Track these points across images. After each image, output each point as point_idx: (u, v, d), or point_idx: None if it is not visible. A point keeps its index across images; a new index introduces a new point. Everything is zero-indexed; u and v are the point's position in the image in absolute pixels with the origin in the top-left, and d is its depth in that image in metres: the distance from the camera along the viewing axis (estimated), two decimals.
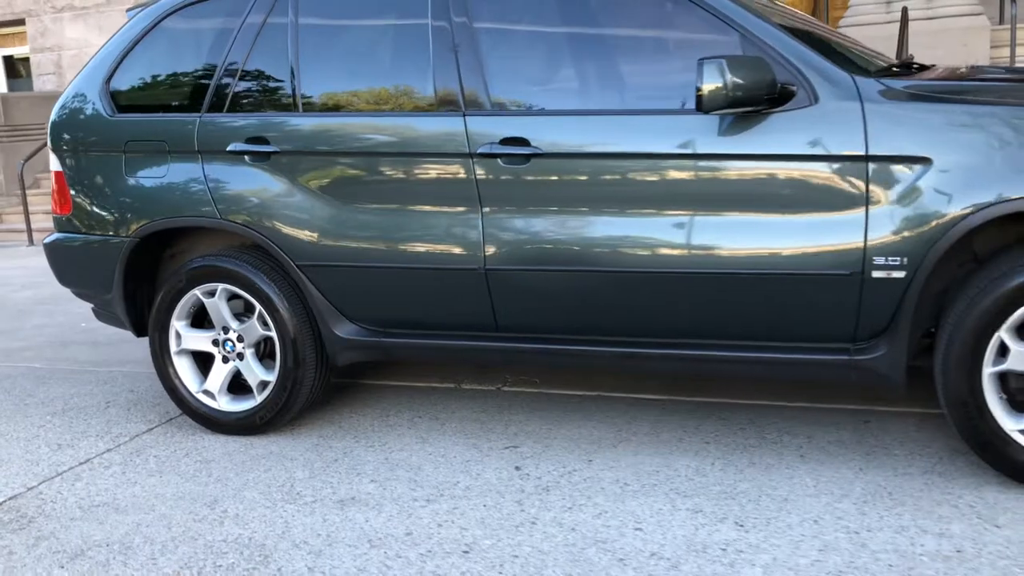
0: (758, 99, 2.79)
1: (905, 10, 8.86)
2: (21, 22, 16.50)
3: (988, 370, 2.79)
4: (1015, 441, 2.81)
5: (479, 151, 3.22)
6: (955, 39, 9.88)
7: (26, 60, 16.92)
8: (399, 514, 3.01)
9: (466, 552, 2.74)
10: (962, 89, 2.86)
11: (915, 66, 3.66)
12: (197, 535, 2.96)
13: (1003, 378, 2.85)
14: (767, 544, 2.65)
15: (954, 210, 2.73)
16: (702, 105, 2.76)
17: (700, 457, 3.30)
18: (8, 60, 17.40)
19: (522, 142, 3.17)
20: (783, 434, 3.46)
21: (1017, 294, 2.71)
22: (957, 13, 9.89)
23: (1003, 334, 2.76)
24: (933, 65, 3.82)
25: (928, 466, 3.09)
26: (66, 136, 3.95)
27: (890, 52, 8.99)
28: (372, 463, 3.45)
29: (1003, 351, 2.79)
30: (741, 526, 2.77)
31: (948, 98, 2.79)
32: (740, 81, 2.74)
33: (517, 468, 3.32)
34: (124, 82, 3.90)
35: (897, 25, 10.04)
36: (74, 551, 2.90)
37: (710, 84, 2.73)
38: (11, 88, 17.29)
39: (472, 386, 4.30)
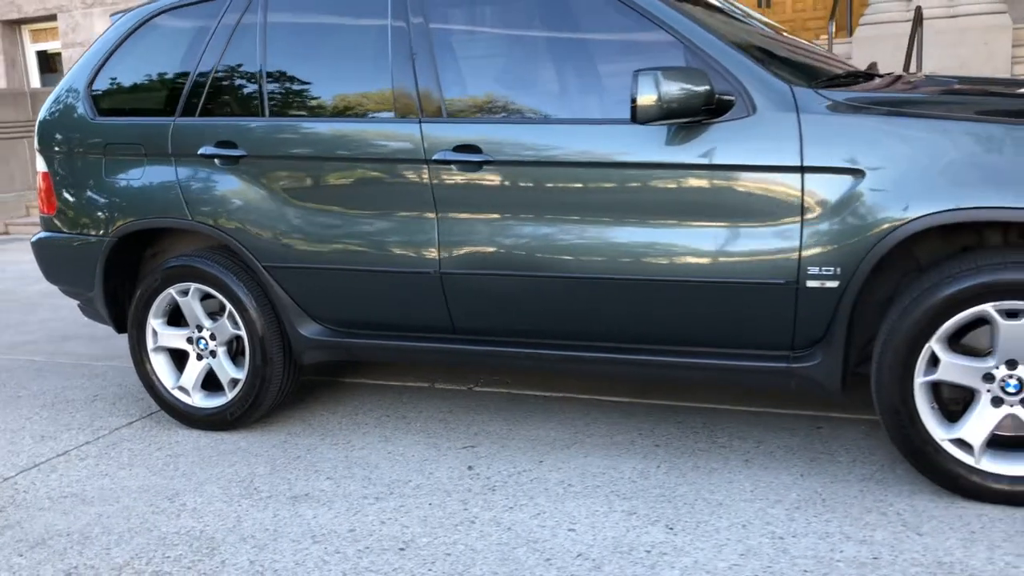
0: (694, 111, 2.84)
1: (919, 9, 8.81)
2: (53, 17, 16.84)
3: (920, 380, 2.83)
4: (945, 450, 2.84)
5: (434, 157, 3.30)
6: (976, 38, 9.79)
7: (59, 55, 17.28)
8: (347, 511, 3.11)
9: (402, 549, 2.83)
10: (901, 101, 2.88)
11: (877, 74, 3.68)
12: (153, 527, 3.08)
13: (936, 388, 2.89)
14: (691, 547, 2.71)
15: (885, 222, 2.77)
16: (636, 117, 2.82)
17: (647, 460, 3.36)
18: (42, 55, 17.76)
19: (475, 149, 3.24)
20: (734, 439, 3.51)
21: (946, 305, 2.74)
22: (979, 11, 9.79)
23: (934, 345, 2.79)
24: (891, 73, 3.84)
25: (868, 473, 3.13)
26: (51, 137, 4.09)
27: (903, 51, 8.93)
28: (332, 461, 3.55)
29: (935, 361, 2.82)
30: (671, 529, 2.84)
31: (884, 110, 2.82)
32: (674, 93, 2.79)
33: (470, 468, 3.40)
34: (105, 86, 4.03)
35: (929, 22, 9.96)
36: (35, 540, 3.03)
37: (644, 96, 2.79)
38: (44, 83, 17.66)
39: (444, 386, 4.39)
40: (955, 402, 2.91)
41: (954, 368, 2.80)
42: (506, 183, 3.22)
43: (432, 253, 3.37)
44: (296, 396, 4.35)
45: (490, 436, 3.69)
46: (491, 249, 3.27)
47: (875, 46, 10.19)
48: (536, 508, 3.03)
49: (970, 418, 2.82)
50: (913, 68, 9.47)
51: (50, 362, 5.32)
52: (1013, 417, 2.79)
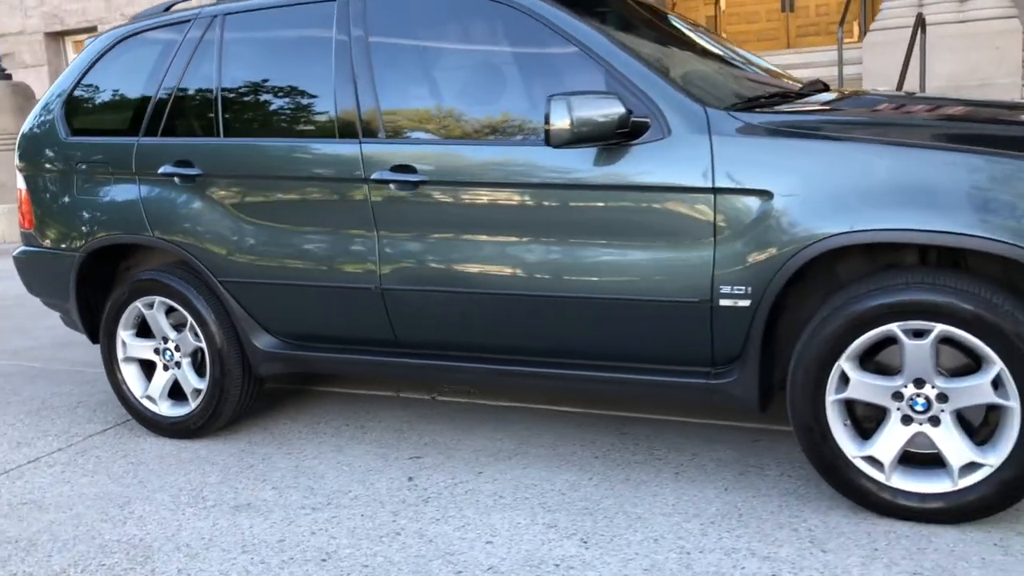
0: (607, 135, 2.89)
1: (920, 16, 8.71)
2: (93, 29, 17.27)
3: (831, 398, 2.86)
4: (857, 467, 2.87)
5: (372, 177, 3.39)
6: (987, 43, 9.65)
7: None
8: (282, 521, 3.22)
9: (323, 560, 2.93)
10: (814, 123, 2.91)
11: (817, 91, 3.70)
12: (97, 534, 3.22)
13: (850, 405, 2.91)
14: (599, 561, 2.78)
15: (791, 243, 2.80)
16: (550, 141, 2.88)
17: (582, 472, 3.42)
18: None
19: (410, 169, 3.33)
20: (672, 451, 3.56)
21: (853, 325, 2.76)
22: (989, 16, 9.65)
23: (843, 363, 2.82)
24: (829, 89, 3.85)
25: (791, 488, 3.16)
26: (29, 154, 4.27)
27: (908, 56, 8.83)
28: (282, 470, 3.67)
29: (845, 380, 2.85)
30: (585, 543, 2.90)
31: (795, 132, 2.85)
32: (586, 118, 2.85)
33: (410, 479, 3.49)
34: (77, 106, 4.19)
35: (939, 27, 9.85)
36: None
37: (557, 121, 2.85)
38: None
39: (409, 395, 4.49)
40: (869, 420, 2.93)
41: (864, 387, 2.83)
42: (440, 202, 3.31)
43: (373, 269, 3.47)
44: (266, 404, 4.48)
45: (439, 447, 3.78)
46: (427, 266, 3.36)
47: (885, 51, 10.09)
48: (463, 520, 3.12)
49: (880, 436, 2.85)
50: (916, 74, 9.37)
51: (46, 368, 5.52)
52: (924, 435, 2.81)
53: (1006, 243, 2.55)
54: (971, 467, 2.75)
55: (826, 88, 3.86)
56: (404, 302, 3.44)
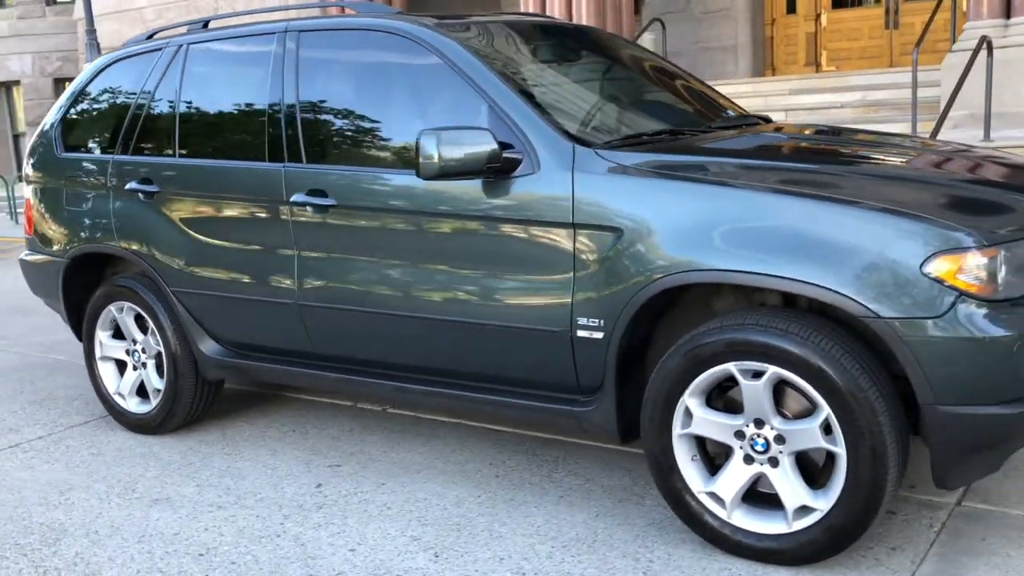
0: (476, 169, 3.03)
1: (984, 39, 8.45)
2: None
3: (677, 432, 2.92)
4: (702, 503, 2.92)
5: (292, 199, 3.62)
6: None
7: None
8: (187, 516, 3.47)
9: (200, 555, 3.16)
10: (678, 164, 2.98)
11: (744, 124, 3.74)
12: (27, 517, 3.54)
13: (703, 441, 2.96)
14: (436, 573, 2.91)
15: (635, 279, 2.88)
16: (419, 173, 3.04)
17: (476, 489, 3.55)
18: None
19: (323, 193, 3.55)
20: (569, 475, 3.65)
21: (692, 363, 2.82)
22: None
23: (687, 399, 2.87)
24: (759, 124, 3.86)
25: (657, 519, 3.22)
26: (32, 167, 4.69)
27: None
28: (214, 469, 3.93)
29: (691, 415, 2.90)
30: (436, 557, 3.04)
31: (651, 172, 2.93)
32: (454, 154, 2.99)
33: (319, 486, 3.70)
34: (71, 123, 4.58)
35: (1012, 50, 9.50)
36: None
37: (425, 155, 3.00)
38: None
39: (365, 405, 4.69)
40: (720, 456, 2.97)
41: (707, 423, 2.87)
42: (344, 226, 3.51)
43: (292, 286, 3.69)
44: (233, 406, 4.75)
45: (362, 457, 3.97)
46: (334, 285, 3.57)
47: (960, 74, 9.74)
48: (340, 528, 3.30)
49: (724, 473, 2.89)
50: (980, 98, 9.03)
51: (69, 362, 5.97)
52: (764, 476, 2.83)
53: (811, 284, 2.58)
54: (805, 510, 2.77)
55: (759, 123, 3.88)
56: (318, 318, 3.66)
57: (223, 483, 3.77)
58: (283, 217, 3.68)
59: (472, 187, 3.19)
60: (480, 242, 3.20)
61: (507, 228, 3.14)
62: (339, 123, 3.59)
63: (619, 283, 2.92)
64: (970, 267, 2.50)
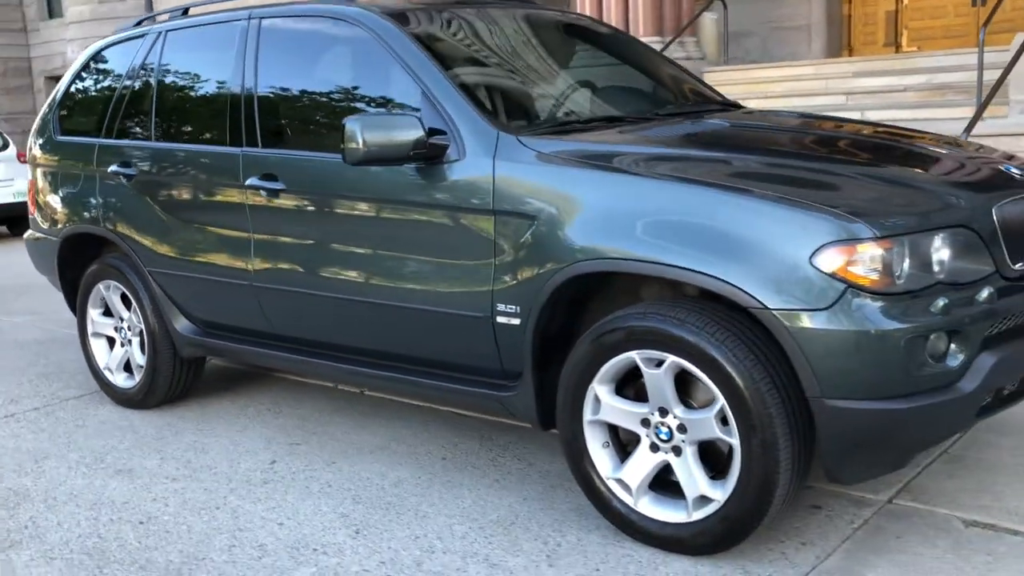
0: (402, 156, 3.08)
1: None
2: None
3: (587, 418, 2.93)
4: (611, 489, 2.93)
5: (247, 183, 3.73)
6: None
7: None
8: (141, 487, 3.62)
9: (141, 523, 3.30)
10: (597, 153, 2.98)
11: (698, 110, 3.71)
12: None
13: (615, 428, 2.96)
14: (348, 550, 2.99)
15: (548, 267, 2.90)
16: (345, 159, 3.11)
17: (418, 470, 3.62)
18: None
19: (273, 177, 3.65)
20: (514, 459, 3.69)
21: (597, 350, 2.83)
22: None
23: (596, 386, 2.88)
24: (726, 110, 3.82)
25: (583, 504, 3.20)
26: (33, 151, 4.90)
27: None
28: (182, 444, 4.08)
29: (600, 402, 2.91)
30: (357, 534, 3.12)
31: (567, 160, 2.94)
32: (378, 140, 3.05)
33: (273, 462, 3.81)
34: (66, 108, 4.78)
35: None
36: None
37: (349, 141, 3.06)
38: None
39: (344, 387, 4.79)
40: (632, 444, 2.97)
41: (614, 411, 2.89)
42: (293, 209, 3.60)
43: (248, 267, 3.81)
44: (222, 384, 4.90)
45: (324, 436, 4.07)
46: (282, 266, 3.67)
47: None
48: (278, 503, 3.40)
49: (631, 461, 2.90)
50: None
51: None
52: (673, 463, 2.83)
53: (701, 273, 2.57)
54: (705, 500, 2.76)
55: (726, 109, 3.84)
56: (271, 299, 3.77)
57: (185, 457, 3.91)
58: (240, 200, 3.79)
59: (403, 172, 3.24)
60: (409, 227, 3.25)
61: (434, 214, 3.18)
62: (290, 108, 3.68)
63: (533, 270, 2.94)
64: (863, 259, 2.46)
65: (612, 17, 12.00)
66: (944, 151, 3.16)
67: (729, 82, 11.78)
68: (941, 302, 2.48)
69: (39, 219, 4.91)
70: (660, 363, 2.75)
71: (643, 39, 11.78)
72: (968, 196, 2.70)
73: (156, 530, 3.23)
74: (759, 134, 3.38)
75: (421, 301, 3.26)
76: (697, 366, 2.65)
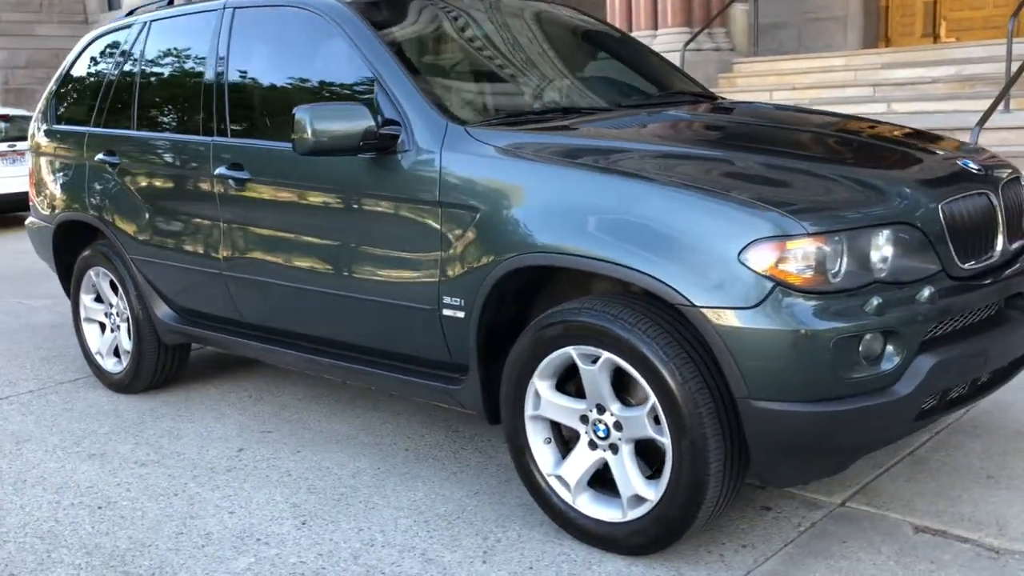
0: (351, 146, 3.07)
1: None
2: None
3: (528, 413, 2.90)
4: (551, 485, 2.90)
5: (215, 172, 3.75)
6: None
7: None
8: (108, 472, 3.67)
9: (99, 508, 3.35)
10: (544, 145, 2.93)
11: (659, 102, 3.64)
12: None
13: (558, 423, 2.93)
14: (291, 540, 3.00)
15: (487, 260, 2.87)
16: (295, 149, 3.10)
17: (381, 461, 3.62)
18: None
19: (239, 167, 3.66)
20: (478, 452, 3.66)
21: (535, 345, 2.80)
22: None
23: (536, 381, 2.85)
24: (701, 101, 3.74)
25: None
26: (34, 137, 5.00)
27: None
28: (158, 429, 4.13)
29: (540, 396, 2.88)
30: (302, 524, 3.13)
31: (512, 153, 2.90)
32: (325, 130, 3.03)
33: (240, 450, 3.84)
34: (61, 97, 4.85)
35: None
36: None
37: (299, 132, 3.05)
38: None
39: (331, 376, 4.80)
40: (574, 440, 2.93)
41: (553, 407, 2.85)
42: (256, 198, 3.61)
43: (218, 256, 3.83)
44: (214, 370, 4.95)
45: (296, 425, 4.09)
46: (248, 255, 3.68)
47: None
48: (235, 491, 3.42)
49: (570, 457, 2.86)
50: None
51: None
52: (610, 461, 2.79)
53: (628, 268, 2.52)
54: (639, 500, 2.71)
55: (700, 101, 3.77)
56: (239, 288, 3.79)
57: (159, 442, 3.96)
58: (211, 189, 3.81)
59: (356, 162, 3.22)
60: (363, 218, 3.24)
61: (386, 205, 3.17)
62: (256, 97, 3.69)
63: (476, 263, 2.91)
64: (795, 256, 2.39)
65: (640, 6, 11.86)
66: (905, 147, 3.05)
67: (757, 74, 11.61)
68: (875, 301, 2.40)
69: (38, 205, 4.99)
70: (596, 359, 2.70)
71: (670, 31, 11.74)
72: (914, 192, 2.60)
73: (112, 515, 3.27)
74: (714, 127, 3.30)
75: (373, 292, 3.25)
76: (630, 363, 2.60)
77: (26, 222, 5.23)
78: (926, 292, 2.48)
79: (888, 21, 13.83)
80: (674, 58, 11.24)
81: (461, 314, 3.00)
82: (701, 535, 2.87)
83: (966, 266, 2.63)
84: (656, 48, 11.67)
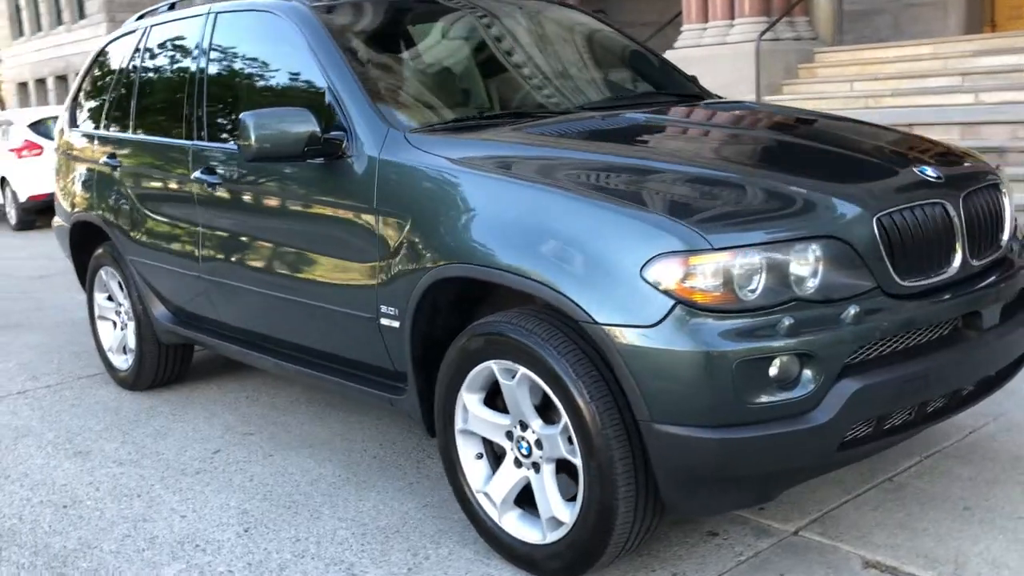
0: (295, 152, 3.03)
1: None
2: None
3: (458, 427, 2.82)
4: (480, 502, 2.81)
5: (193, 176, 3.78)
6: None
7: None
8: (86, 470, 3.75)
9: (64, 507, 3.42)
10: (477, 154, 2.84)
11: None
12: None
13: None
14: (227, 549, 3.00)
15: (416, 269, 2.80)
16: (241, 155, 3.09)
17: (345, 469, 3.58)
18: None
19: (213, 171, 3.68)
20: (439, 462, 3.59)
21: (460, 358, 2.72)
22: None
23: (463, 395, 2.77)
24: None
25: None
26: (57, 140, 5.16)
27: None
28: (148, 428, 4.20)
29: (468, 410, 2.79)
30: (246, 532, 3.12)
31: (445, 159, 2.82)
32: (268, 136, 3.01)
33: (216, 452, 3.87)
34: (78, 101, 4.99)
35: None
36: None
37: (243, 138, 3.04)
38: None
39: None
40: (504, 457, 2.84)
41: (481, 422, 2.76)
42: (227, 202, 3.63)
43: (197, 258, 3.87)
44: (221, 370, 5.01)
45: (279, 428, 4.09)
46: (220, 259, 3.71)
47: None
48: (194, 494, 3.45)
49: (497, 475, 2.77)
50: None
51: None
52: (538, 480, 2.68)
53: (534, 281, 2.42)
54: (557, 523, 2.60)
55: (683, 100, 3.62)
56: (214, 290, 3.81)
57: (143, 441, 4.03)
58: (190, 193, 3.84)
59: (308, 168, 3.20)
60: (313, 223, 3.22)
61: (332, 211, 3.13)
62: (228, 102, 3.70)
63: (406, 272, 2.85)
64: (700, 272, 2.24)
65: None
66: (855, 153, 2.85)
67: (839, 63, 11.14)
68: (787, 322, 2.23)
69: (58, 206, 5.15)
70: (515, 374, 2.60)
71: (747, 20, 11.38)
72: (845, 204, 2.41)
73: (72, 515, 3.34)
74: (660, 133, 3.15)
75: (321, 298, 3.23)
76: (543, 380, 2.49)
77: (52, 221, 5.40)
78: (851, 311, 2.30)
79: (994, 4, 13.02)
80: (750, 49, 10.90)
81: (396, 323, 2.94)
82: (633, 559, 2.74)
83: (907, 283, 2.42)
84: (733, 39, 11.36)
